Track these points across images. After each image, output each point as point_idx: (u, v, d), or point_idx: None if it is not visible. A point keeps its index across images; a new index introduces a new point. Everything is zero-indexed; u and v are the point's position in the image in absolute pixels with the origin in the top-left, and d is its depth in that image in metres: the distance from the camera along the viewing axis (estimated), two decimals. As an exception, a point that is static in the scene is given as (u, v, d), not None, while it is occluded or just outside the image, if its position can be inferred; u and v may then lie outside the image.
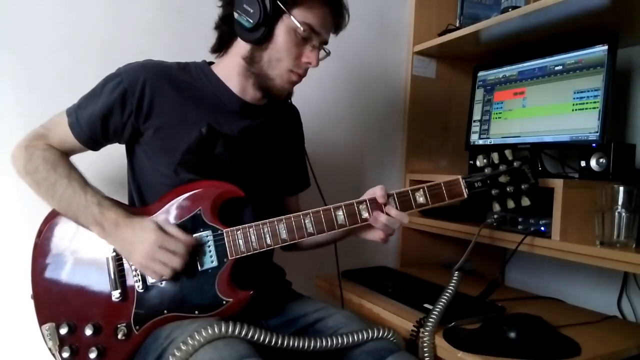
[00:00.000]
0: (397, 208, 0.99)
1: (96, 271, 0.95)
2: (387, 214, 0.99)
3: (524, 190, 1.00)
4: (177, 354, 0.82)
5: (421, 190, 1.00)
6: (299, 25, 0.96)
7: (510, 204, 1.01)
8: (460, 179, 1.01)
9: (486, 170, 1.01)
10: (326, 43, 1.04)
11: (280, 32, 0.97)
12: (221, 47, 1.07)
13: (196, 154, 0.99)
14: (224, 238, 0.96)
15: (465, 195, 1.00)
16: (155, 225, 0.92)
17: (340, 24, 1.05)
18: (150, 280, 0.94)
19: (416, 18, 1.70)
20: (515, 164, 1.00)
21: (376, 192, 0.99)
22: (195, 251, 0.95)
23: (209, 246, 0.96)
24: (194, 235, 0.95)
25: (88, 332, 0.92)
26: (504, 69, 1.52)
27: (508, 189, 1.00)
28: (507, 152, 1.01)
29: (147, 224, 0.92)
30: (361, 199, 1.00)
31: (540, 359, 0.94)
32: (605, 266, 1.03)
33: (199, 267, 0.95)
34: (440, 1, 1.72)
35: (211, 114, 1.02)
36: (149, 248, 0.90)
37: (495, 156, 1.01)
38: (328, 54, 1.05)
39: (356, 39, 1.66)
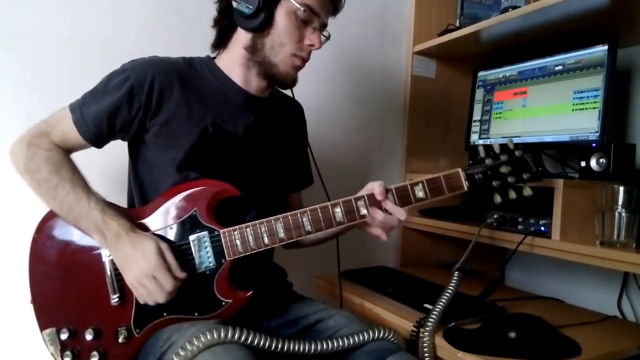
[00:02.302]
0: (395, 204, 0.98)
1: (95, 275, 0.94)
2: (384, 209, 0.98)
3: (525, 180, 0.97)
4: (175, 359, 0.82)
5: (420, 184, 0.98)
6: (298, 6, 0.96)
7: (512, 195, 0.98)
8: (460, 171, 0.98)
9: (487, 161, 0.98)
10: (325, 26, 1.03)
11: (281, 16, 0.97)
12: (221, 41, 1.06)
13: (200, 152, 0.99)
14: (220, 239, 0.95)
15: (465, 188, 0.98)
16: (157, 250, 0.89)
17: (338, 5, 1.05)
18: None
19: (416, 18, 1.70)
20: (516, 152, 0.97)
21: (374, 188, 0.98)
22: (193, 252, 0.94)
23: (206, 247, 0.95)
24: (190, 236, 0.95)
25: (89, 336, 0.92)
26: (504, 69, 1.52)
27: (509, 180, 0.97)
28: (509, 142, 0.98)
29: (148, 246, 0.89)
30: (359, 195, 0.99)
31: (540, 359, 0.94)
32: (605, 266, 1.02)
33: (197, 269, 0.95)
34: (440, 1, 1.72)
35: (216, 111, 1.01)
36: (142, 273, 0.88)
37: (496, 146, 0.98)
38: (328, 37, 1.05)
39: (356, 39, 1.66)
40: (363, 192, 1.00)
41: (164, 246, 0.91)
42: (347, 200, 0.98)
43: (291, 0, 0.96)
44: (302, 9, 0.96)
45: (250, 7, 0.95)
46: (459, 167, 1.01)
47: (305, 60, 1.02)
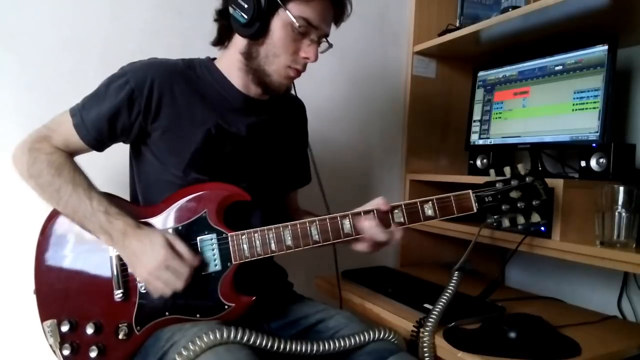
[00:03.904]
0: (404, 219, 0.97)
1: (99, 270, 0.95)
2: (381, 223, 0.96)
3: (534, 207, 0.98)
4: (178, 359, 0.82)
5: (430, 202, 0.98)
6: (294, 20, 0.93)
7: (520, 220, 0.99)
8: (471, 193, 0.98)
9: (497, 185, 0.99)
10: (327, 36, 1.01)
11: (276, 27, 0.95)
12: (221, 40, 1.06)
13: (205, 155, 0.99)
14: (228, 242, 0.95)
15: (475, 210, 0.98)
16: (165, 241, 0.89)
17: (341, 16, 1.02)
18: (144, 291, 0.93)
19: (416, 18, 1.71)
20: (527, 179, 0.98)
21: (379, 202, 0.97)
22: (200, 254, 0.94)
23: (213, 250, 0.95)
24: (198, 237, 0.95)
25: (89, 330, 0.92)
26: (504, 69, 1.52)
27: (519, 205, 0.98)
28: (520, 167, 0.99)
29: (156, 239, 0.90)
30: (368, 208, 0.98)
31: (540, 359, 0.94)
32: (605, 266, 1.03)
33: (202, 271, 0.95)
34: (440, 1, 1.73)
35: (218, 113, 1.01)
36: (156, 265, 0.88)
37: (507, 170, 0.99)
38: (330, 46, 1.02)
39: (356, 39, 1.66)
40: (368, 206, 0.99)
41: (171, 237, 0.91)
42: (357, 212, 0.97)
43: (287, 12, 0.93)
44: (298, 23, 0.94)
45: (245, 16, 0.93)
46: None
47: (300, 71, 1.01)
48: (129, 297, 0.94)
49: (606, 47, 1.23)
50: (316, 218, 0.97)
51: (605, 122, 1.21)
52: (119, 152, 1.09)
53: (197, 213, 0.96)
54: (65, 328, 0.92)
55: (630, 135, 1.41)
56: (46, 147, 0.95)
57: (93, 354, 0.91)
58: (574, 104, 1.29)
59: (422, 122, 1.74)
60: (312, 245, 0.97)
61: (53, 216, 0.97)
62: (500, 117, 1.52)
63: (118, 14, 1.31)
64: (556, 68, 1.36)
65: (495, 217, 1.12)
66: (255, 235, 0.96)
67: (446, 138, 1.78)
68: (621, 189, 1.04)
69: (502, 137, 1.50)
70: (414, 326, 1.05)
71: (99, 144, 0.98)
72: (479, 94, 1.60)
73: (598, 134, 1.22)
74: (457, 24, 1.64)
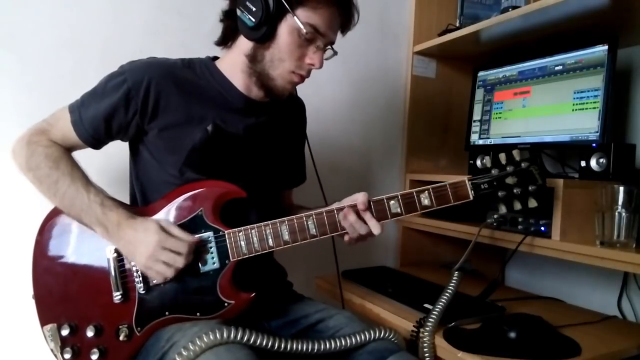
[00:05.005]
0: (401, 209, 0.97)
1: (98, 272, 0.95)
2: (361, 218, 0.96)
3: (531, 192, 0.98)
4: (178, 359, 0.82)
5: (426, 191, 0.98)
6: (302, 26, 0.94)
7: (517, 206, 0.99)
8: (466, 181, 0.98)
9: (493, 172, 0.98)
10: (333, 43, 1.01)
11: (283, 32, 0.95)
12: (226, 40, 1.06)
13: (201, 154, 0.99)
14: (225, 239, 0.96)
15: (471, 197, 0.98)
16: (158, 226, 0.91)
17: (348, 25, 1.02)
18: (153, 281, 0.94)
19: (416, 18, 1.71)
20: (522, 164, 0.98)
21: (358, 198, 0.97)
22: (197, 252, 0.94)
23: (211, 247, 0.96)
24: (196, 236, 0.95)
25: (90, 333, 0.92)
26: (504, 69, 1.52)
27: (515, 191, 0.97)
28: (515, 153, 0.99)
29: (149, 225, 0.91)
30: (350, 203, 0.97)
31: (540, 359, 0.94)
32: (605, 266, 1.03)
33: (201, 269, 0.95)
34: (440, 1, 1.73)
35: (216, 113, 1.01)
36: (152, 249, 0.89)
37: (502, 157, 0.99)
38: (335, 53, 1.02)
39: (356, 39, 1.65)
40: (349, 201, 0.98)
41: (164, 222, 0.92)
42: (353, 205, 0.97)
43: (295, 18, 0.93)
44: (306, 29, 0.94)
45: (253, 20, 0.93)
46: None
47: (304, 77, 1.01)
48: (129, 298, 0.94)
49: (606, 47, 1.23)
50: (313, 212, 0.97)
51: (605, 122, 1.21)
52: (119, 152, 1.09)
53: (194, 211, 0.96)
54: (65, 332, 0.92)
55: (630, 135, 1.41)
56: (44, 141, 0.96)
57: (94, 357, 0.92)
58: (574, 104, 1.29)
59: (422, 122, 1.74)
60: (310, 240, 0.97)
61: (49, 219, 0.97)
62: (500, 117, 1.52)
63: (118, 14, 1.31)
64: (556, 68, 1.36)
65: (496, 216, 1.13)
66: (253, 231, 0.96)
67: (446, 138, 1.78)
68: (621, 189, 1.04)
69: (502, 137, 1.50)
70: (414, 326, 1.05)
71: (96, 141, 0.99)
72: (479, 94, 1.60)
73: (598, 134, 1.22)
74: (457, 24, 1.64)
